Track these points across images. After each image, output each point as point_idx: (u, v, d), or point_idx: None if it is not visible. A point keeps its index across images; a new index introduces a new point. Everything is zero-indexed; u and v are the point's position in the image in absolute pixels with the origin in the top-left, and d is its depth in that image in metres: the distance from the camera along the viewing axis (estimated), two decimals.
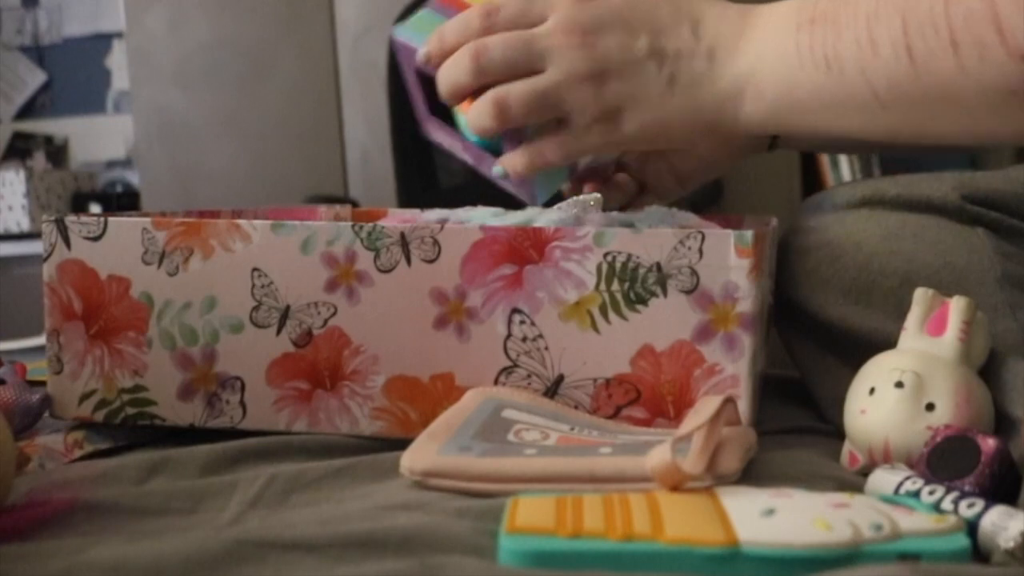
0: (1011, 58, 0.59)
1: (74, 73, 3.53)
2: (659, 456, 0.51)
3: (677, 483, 0.50)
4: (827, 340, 0.72)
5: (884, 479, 0.54)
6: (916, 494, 0.52)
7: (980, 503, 0.49)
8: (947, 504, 0.50)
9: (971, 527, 0.48)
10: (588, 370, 0.66)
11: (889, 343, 0.65)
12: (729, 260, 0.63)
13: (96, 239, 0.70)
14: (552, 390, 0.66)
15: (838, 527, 0.45)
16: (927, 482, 0.53)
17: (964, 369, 0.61)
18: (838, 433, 0.66)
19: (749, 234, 0.63)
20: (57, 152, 3.55)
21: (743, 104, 0.69)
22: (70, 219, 0.70)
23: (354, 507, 0.54)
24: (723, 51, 0.69)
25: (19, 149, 3.55)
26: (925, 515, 0.47)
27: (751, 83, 0.68)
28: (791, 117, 0.68)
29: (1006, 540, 0.46)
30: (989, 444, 0.55)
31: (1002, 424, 0.61)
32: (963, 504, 0.49)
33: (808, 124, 0.68)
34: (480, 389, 0.66)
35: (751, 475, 0.57)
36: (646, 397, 0.65)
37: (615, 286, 0.65)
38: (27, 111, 3.59)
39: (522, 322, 0.66)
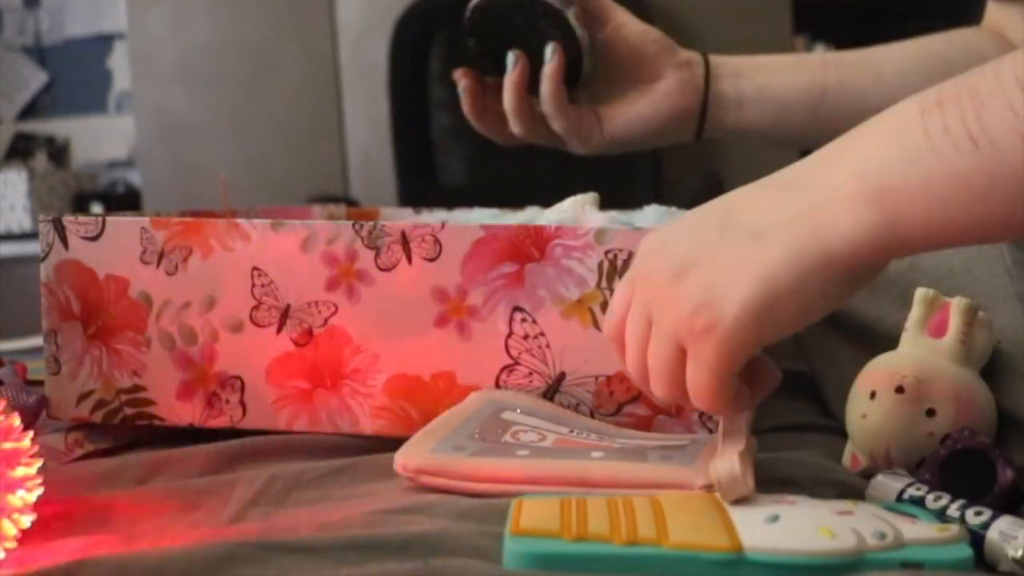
0: None
1: (76, 73, 3.53)
2: (727, 468, 0.49)
3: (739, 496, 0.50)
4: (833, 325, 0.71)
5: (886, 485, 0.54)
6: (920, 500, 0.51)
7: (987, 512, 0.48)
8: (953, 511, 0.49)
9: (977, 535, 0.47)
10: (590, 367, 0.65)
11: (895, 330, 0.64)
12: None
13: (94, 239, 0.70)
14: (554, 388, 0.66)
15: (842, 535, 0.44)
16: (931, 488, 0.52)
17: (965, 372, 0.61)
18: (841, 430, 0.65)
19: None
20: (59, 152, 3.54)
21: (850, 214, 0.51)
22: (67, 219, 0.70)
23: (356, 509, 0.54)
24: (809, 168, 0.54)
25: (21, 149, 3.55)
26: (928, 524, 0.47)
27: (864, 188, 0.51)
28: (927, 215, 0.51)
29: (1015, 548, 0.45)
30: (1007, 475, 0.53)
31: (1005, 423, 0.60)
32: (970, 512, 0.49)
33: (947, 221, 0.51)
34: (484, 391, 0.66)
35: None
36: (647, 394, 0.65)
37: (616, 283, 0.64)
38: (29, 111, 3.58)
39: (523, 320, 0.66)
